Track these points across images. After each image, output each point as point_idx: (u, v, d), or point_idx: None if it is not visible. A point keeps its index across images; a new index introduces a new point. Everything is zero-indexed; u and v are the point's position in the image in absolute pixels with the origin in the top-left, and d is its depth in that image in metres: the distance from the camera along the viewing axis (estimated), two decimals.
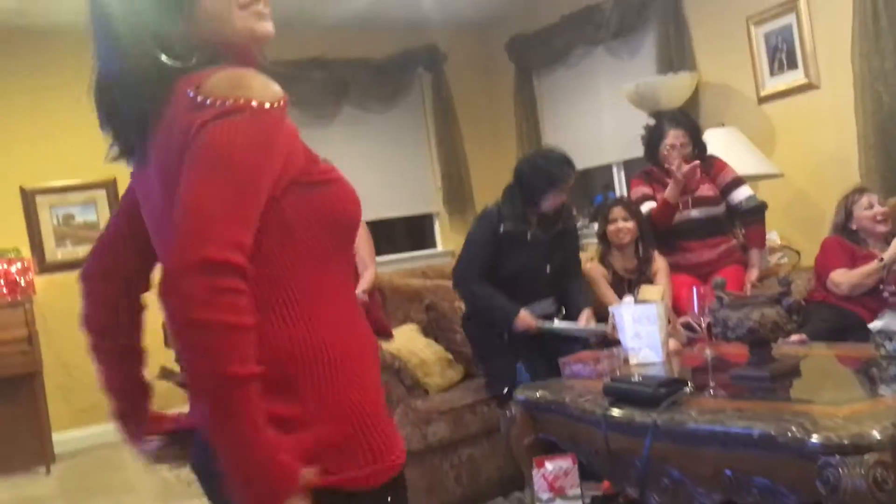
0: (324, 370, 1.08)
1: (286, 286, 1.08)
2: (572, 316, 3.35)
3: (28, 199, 5.34)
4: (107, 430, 5.30)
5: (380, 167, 6.37)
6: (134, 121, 1.12)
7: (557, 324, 3.28)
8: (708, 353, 2.74)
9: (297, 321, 1.08)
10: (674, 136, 3.78)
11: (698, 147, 3.82)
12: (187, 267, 0.95)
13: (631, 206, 3.68)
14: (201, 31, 1.13)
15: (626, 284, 3.57)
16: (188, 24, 1.11)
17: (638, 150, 4.11)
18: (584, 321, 3.29)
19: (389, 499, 1.11)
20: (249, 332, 0.97)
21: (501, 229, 3.28)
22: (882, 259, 3.28)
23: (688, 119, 3.95)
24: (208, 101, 1.02)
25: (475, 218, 3.51)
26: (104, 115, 1.16)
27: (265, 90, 1.05)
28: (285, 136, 1.08)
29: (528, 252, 3.32)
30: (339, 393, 1.08)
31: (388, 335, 3.70)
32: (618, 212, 3.62)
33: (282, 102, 1.06)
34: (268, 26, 1.20)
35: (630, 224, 3.59)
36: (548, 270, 3.38)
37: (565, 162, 3.32)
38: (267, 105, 1.04)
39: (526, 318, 3.23)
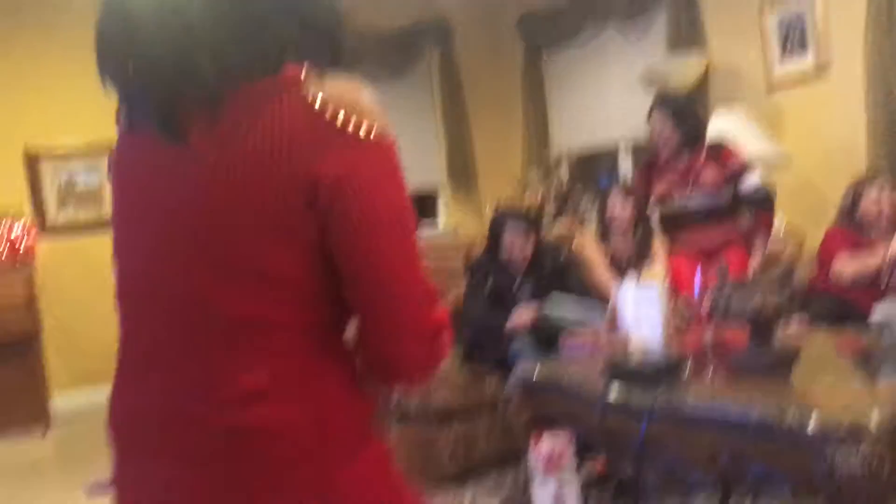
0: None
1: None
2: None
3: (32, 161, 5.32)
4: (104, 394, 5.33)
5: None
6: (211, 90, 0.90)
7: (556, 312, 3.31)
8: (708, 336, 2.74)
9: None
10: (656, 118, 3.76)
11: (687, 130, 3.78)
12: (430, 335, 0.97)
13: (630, 192, 3.68)
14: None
15: (623, 267, 3.57)
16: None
17: (645, 133, 4.08)
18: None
19: None
20: None
21: (487, 288, 3.48)
22: (886, 253, 3.25)
23: (673, 103, 3.88)
24: (328, 116, 0.89)
25: (468, 268, 3.69)
26: (155, 75, 0.91)
27: (379, 111, 0.94)
28: None
29: (520, 291, 3.51)
30: None
31: None
32: (616, 198, 3.62)
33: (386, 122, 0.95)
34: None
35: (628, 210, 3.59)
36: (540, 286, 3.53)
37: (512, 212, 3.66)
38: (389, 136, 0.93)
39: (521, 313, 3.34)
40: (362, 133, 0.89)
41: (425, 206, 6.81)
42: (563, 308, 3.37)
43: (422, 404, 3.25)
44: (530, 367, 2.81)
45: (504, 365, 3.33)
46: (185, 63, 0.89)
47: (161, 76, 0.90)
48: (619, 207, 3.59)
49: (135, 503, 1.01)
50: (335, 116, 0.89)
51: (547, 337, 3.26)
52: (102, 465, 3.84)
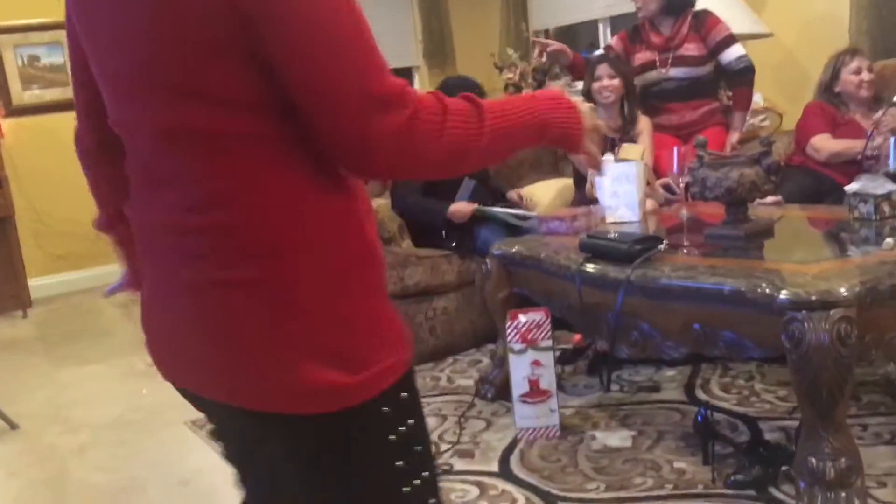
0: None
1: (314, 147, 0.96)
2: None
3: None
4: (82, 276, 5.35)
5: None
6: None
7: (492, 208, 3.44)
8: (684, 212, 2.76)
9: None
10: None
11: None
12: (385, 101, 0.91)
13: (618, 64, 3.60)
14: None
15: (608, 143, 3.54)
16: None
17: (625, 6, 3.98)
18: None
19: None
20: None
21: None
22: (867, 145, 3.24)
23: None
24: None
25: None
26: None
27: None
28: None
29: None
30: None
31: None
32: (603, 69, 3.54)
33: None
34: None
35: (616, 81, 3.52)
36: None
37: (474, 84, 3.69)
38: None
39: (458, 207, 3.43)
40: None
41: None
42: (497, 210, 3.48)
43: (398, 284, 3.28)
44: (508, 245, 2.83)
45: (460, 247, 3.40)
46: None
47: None
48: (607, 78, 3.52)
49: (146, 299, 1.10)
50: None
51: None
52: (83, 341, 3.89)
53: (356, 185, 1.03)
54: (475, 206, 3.45)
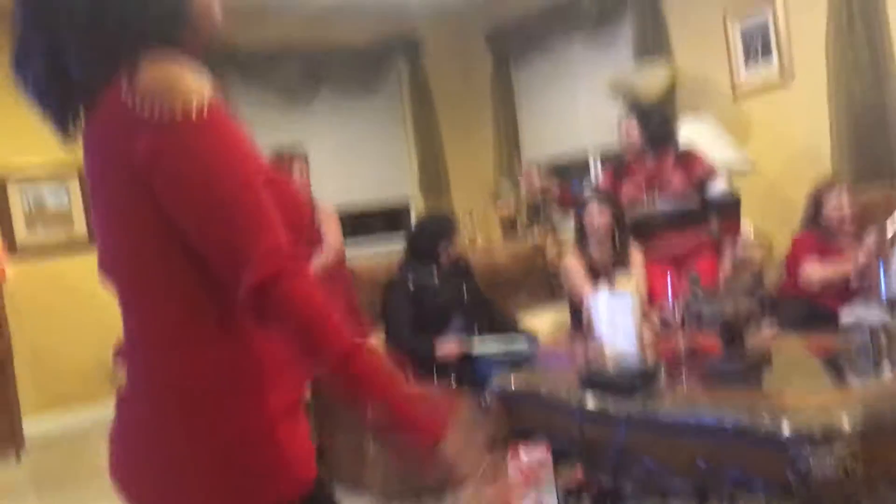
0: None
1: (226, 296, 1.04)
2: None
3: None
4: (77, 417, 5.28)
5: (356, 153, 6.35)
6: (85, 90, 1.08)
7: (478, 346, 3.43)
8: (682, 344, 2.77)
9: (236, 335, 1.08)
10: (626, 125, 3.90)
11: (650, 130, 3.84)
12: (267, 286, 0.98)
13: (606, 200, 3.71)
14: (192, 8, 1.11)
15: (602, 275, 3.60)
16: None
17: (614, 139, 4.14)
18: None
19: None
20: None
21: (411, 286, 3.62)
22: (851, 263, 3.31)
23: (640, 108, 3.98)
24: (146, 110, 1.00)
25: (384, 289, 3.76)
26: (41, 87, 1.11)
27: (201, 89, 1.02)
28: (243, 130, 1.07)
29: (443, 289, 3.65)
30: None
31: (357, 317, 3.76)
32: (593, 206, 3.65)
33: (216, 99, 1.04)
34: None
35: (606, 216, 3.61)
36: (466, 299, 3.71)
37: (447, 217, 4.02)
38: (205, 106, 1.01)
39: (446, 344, 3.44)
40: (168, 116, 0.99)
41: (398, 218, 6.82)
42: (487, 345, 3.46)
43: None
44: (506, 378, 2.83)
45: (460, 381, 3.38)
46: (56, 74, 1.09)
47: (39, 89, 1.12)
48: (597, 214, 3.62)
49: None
50: (143, 107, 1.01)
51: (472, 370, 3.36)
52: (78, 488, 3.78)
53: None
54: (463, 345, 3.43)
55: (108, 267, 1.13)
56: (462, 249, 3.96)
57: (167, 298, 1.06)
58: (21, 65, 1.11)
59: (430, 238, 3.75)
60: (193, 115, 1.00)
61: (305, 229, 1.20)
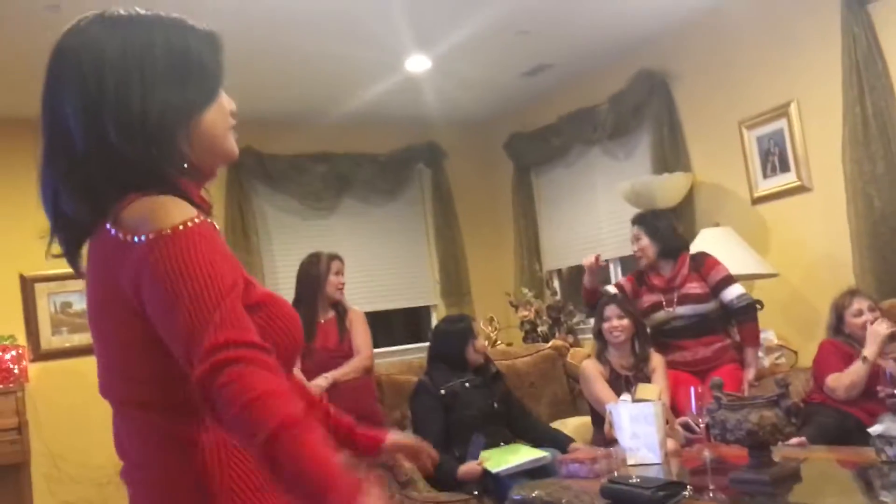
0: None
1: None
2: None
3: (27, 286, 5.34)
4: None
5: (379, 259, 6.42)
6: (78, 225, 1.16)
7: (500, 463, 3.34)
8: (707, 454, 2.71)
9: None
10: (633, 231, 3.98)
11: (662, 241, 3.89)
12: (208, 371, 0.99)
13: (626, 304, 3.71)
14: (193, 144, 1.15)
15: (623, 382, 3.56)
16: (186, 136, 1.14)
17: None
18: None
19: None
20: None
21: (441, 392, 3.59)
22: (865, 358, 3.29)
23: (645, 217, 4.04)
24: (124, 238, 1.07)
25: (413, 394, 3.75)
26: (50, 218, 1.17)
27: (178, 214, 1.07)
28: (224, 245, 1.10)
29: (473, 397, 3.62)
30: None
31: (379, 425, 3.70)
32: (612, 310, 3.64)
33: (201, 219, 1.08)
34: (236, 147, 1.23)
35: (625, 322, 3.60)
36: (495, 406, 3.67)
37: (462, 318, 3.96)
38: (181, 227, 1.05)
39: (467, 468, 3.36)
40: (152, 236, 1.05)
41: (419, 325, 6.82)
42: (505, 459, 3.38)
43: None
44: (528, 490, 2.77)
45: (484, 491, 3.31)
46: (57, 208, 1.17)
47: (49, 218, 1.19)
48: (616, 318, 3.61)
49: None
50: (128, 236, 1.07)
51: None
52: None
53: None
54: (484, 466, 3.34)
55: (107, 394, 1.19)
56: (486, 351, 3.93)
57: (159, 415, 1.12)
58: (41, 192, 1.17)
59: (454, 340, 3.74)
60: (173, 231, 1.05)
61: (301, 346, 1.20)
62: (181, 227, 1.05)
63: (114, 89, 1.09)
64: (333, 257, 4.00)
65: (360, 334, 3.94)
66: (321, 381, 3.64)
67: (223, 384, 0.97)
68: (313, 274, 3.95)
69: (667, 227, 3.96)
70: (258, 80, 5.02)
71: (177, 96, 1.11)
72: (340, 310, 4.01)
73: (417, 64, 5.08)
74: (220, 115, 1.17)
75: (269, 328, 1.12)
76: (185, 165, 1.14)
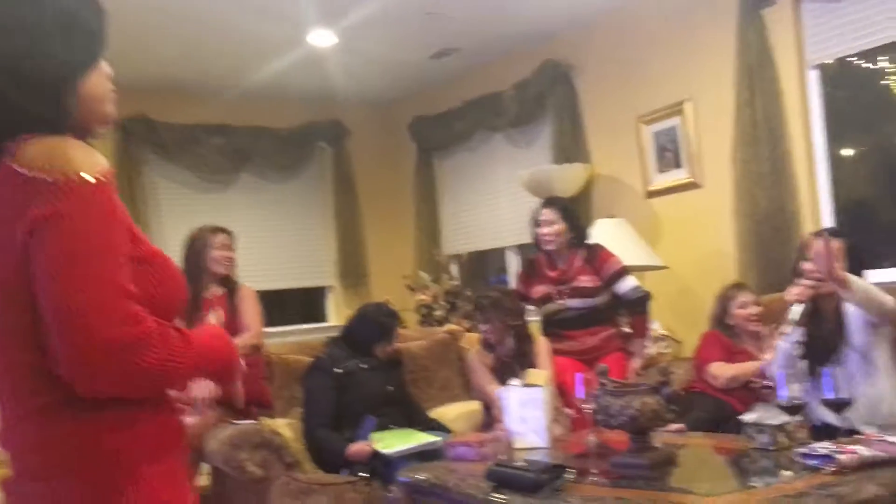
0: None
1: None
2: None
3: None
4: None
5: (276, 237, 6.29)
6: None
7: (390, 445, 3.32)
8: (591, 439, 2.77)
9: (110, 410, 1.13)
10: (544, 214, 3.94)
11: (574, 230, 3.93)
12: (102, 354, 1.04)
13: (496, 310, 3.71)
14: (77, 102, 1.19)
15: (509, 368, 3.60)
16: (72, 91, 1.19)
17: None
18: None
19: None
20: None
21: (337, 371, 3.52)
22: (762, 372, 3.41)
23: (563, 202, 4.06)
24: (31, 174, 1.07)
25: (307, 370, 3.66)
26: None
27: (87, 160, 1.12)
28: (121, 214, 1.14)
29: (368, 379, 3.57)
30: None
31: (268, 407, 3.63)
32: (482, 325, 3.74)
33: (107, 175, 1.12)
34: (114, 111, 1.29)
35: (495, 332, 3.69)
36: (391, 390, 3.64)
37: (392, 315, 3.76)
38: (92, 179, 1.09)
39: (357, 447, 3.32)
40: (55, 185, 1.07)
41: (315, 304, 6.73)
42: (398, 441, 3.37)
43: None
44: (415, 471, 2.76)
45: (373, 474, 3.28)
46: None
47: None
48: (487, 331, 3.73)
49: None
50: (33, 177, 1.07)
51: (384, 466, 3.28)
52: None
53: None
54: (374, 445, 3.32)
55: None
56: (397, 348, 3.84)
57: (31, 374, 1.12)
58: None
59: (373, 330, 3.67)
60: (80, 182, 1.08)
61: (182, 305, 1.26)
62: (89, 180, 1.09)
63: (5, 40, 1.14)
64: (217, 230, 3.89)
65: (250, 311, 3.84)
66: None
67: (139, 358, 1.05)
68: (195, 248, 3.83)
69: (577, 214, 4.04)
70: (155, 47, 4.82)
71: (64, 53, 1.17)
72: (231, 286, 3.90)
73: (321, 38, 4.98)
74: (102, 80, 1.24)
75: (152, 284, 1.16)
76: (69, 122, 1.18)
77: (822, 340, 2.98)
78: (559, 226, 3.89)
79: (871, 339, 2.89)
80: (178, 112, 5.75)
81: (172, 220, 5.68)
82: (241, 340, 3.71)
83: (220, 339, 1.26)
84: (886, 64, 4.03)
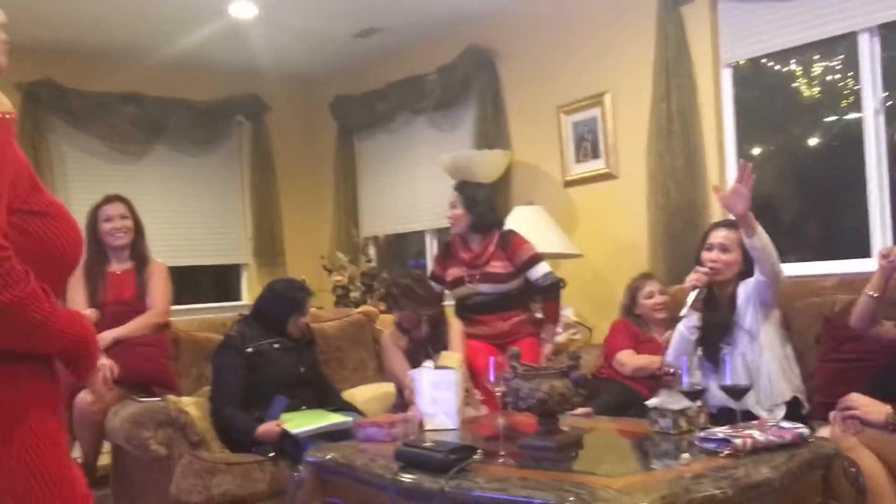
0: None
1: None
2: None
3: None
4: None
5: (190, 212, 6.14)
6: None
7: (299, 425, 3.27)
8: (500, 421, 2.80)
9: None
10: (452, 197, 3.99)
11: (476, 216, 3.93)
12: None
13: (412, 300, 3.69)
14: None
15: (422, 350, 3.61)
16: None
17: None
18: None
19: None
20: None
21: (248, 349, 3.45)
22: (669, 367, 3.50)
23: (470, 188, 4.05)
24: None
25: (217, 349, 3.57)
26: None
27: None
28: (14, 154, 1.10)
29: (280, 359, 3.51)
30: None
31: (172, 387, 3.54)
32: (399, 312, 3.71)
33: (10, 116, 1.10)
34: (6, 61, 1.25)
35: (411, 319, 3.68)
36: (302, 371, 3.58)
37: (303, 288, 3.66)
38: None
39: (266, 428, 3.25)
40: None
41: (229, 282, 6.61)
42: (308, 422, 3.33)
43: (203, 494, 3.05)
44: (323, 451, 2.74)
45: (280, 453, 3.24)
46: None
47: None
48: (404, 319, 3.71)
49: None
50: None
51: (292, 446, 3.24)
52: None
53: None
54: (283, 426, 3.25)
55: None
56: (310, 321, 3.78)
57: None
58: None
59: (284, 305, 3.58)
60: None
61: (75, 262, 1.26)
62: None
63: None
64: (104, 202, 3.76)
65: (157, 288, 3.73)
66: (104, 337, 3.36)
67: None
68: (90, 221, 3.71)
69: (485, 201, 4.00)
70: (66, 6, 4.61)
71: None
72: (140, 260, 3.78)
73: (242, 10, 4.86)
74: None
75: (54, 234, 1.15)
76: None
77: (716, 324, 3.15)
78: (458, 211, 3.92)
79: (759, 321, 3.09)
80: (90, 78, 5.54)
81: (80, 191, 5.44)
82: (142, 319, 3.61)
83: (81, 323, 1.25)
84: (796, 66, 4.18)
